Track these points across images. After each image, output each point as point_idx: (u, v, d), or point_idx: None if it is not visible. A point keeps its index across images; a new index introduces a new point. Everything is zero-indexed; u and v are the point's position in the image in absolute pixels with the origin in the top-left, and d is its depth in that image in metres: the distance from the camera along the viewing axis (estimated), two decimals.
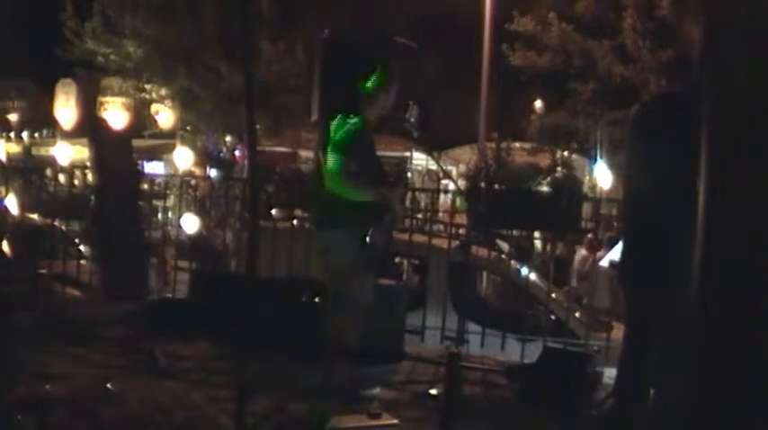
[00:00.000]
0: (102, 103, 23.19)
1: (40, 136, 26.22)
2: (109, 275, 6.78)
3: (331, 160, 4.18)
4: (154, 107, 20.05)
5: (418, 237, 7.20)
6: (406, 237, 6.97)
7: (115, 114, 21.56)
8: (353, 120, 4.27)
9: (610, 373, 4.55)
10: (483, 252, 6.75)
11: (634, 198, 3.91)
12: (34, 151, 24.53)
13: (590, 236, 9.93)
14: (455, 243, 6.80)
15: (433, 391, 4.56)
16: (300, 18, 16.62)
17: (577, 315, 7.35)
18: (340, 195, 4.20)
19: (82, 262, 8.27)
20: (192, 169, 19.28)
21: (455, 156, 22.75)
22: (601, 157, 18.73)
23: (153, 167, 19.13)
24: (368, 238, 4.18)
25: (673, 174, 3.43)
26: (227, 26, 15.79)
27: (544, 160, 21.31)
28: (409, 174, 19.83)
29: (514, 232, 9.47)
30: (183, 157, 19.18)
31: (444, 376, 4.30)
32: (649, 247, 3.65)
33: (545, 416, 4.33)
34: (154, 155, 20.49)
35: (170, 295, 6.89)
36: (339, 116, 4.37)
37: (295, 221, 7.33)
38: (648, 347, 3.68)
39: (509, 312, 7.00)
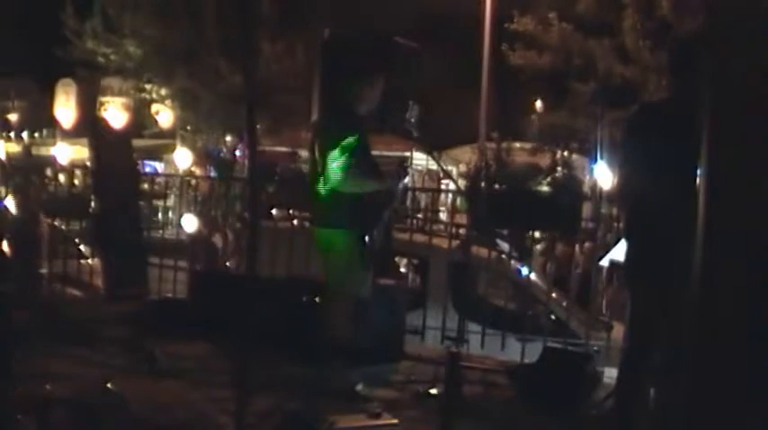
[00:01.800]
0: (102, 103, 23.19)
1: (40, 136, 26.22)
2: (109, 275, 6.78)
3: (337, 159, 4.21)
4: (154, 107, 20.07)
5: (418, 237, 7.20)
6: (406, 236, 6.98)
7: (115, 114, 21.57)
8: (351, 118, 4.31)
9: (610, 373, 4.55)
10: (483, 252, 6.75)
11: (634, 200, 3.93)
12: (34, 151, 24.51)
13: (588, 244, 9.80)
14: (455, 243, 6.80)
15: (434, 391, 4.56)
16: (300, 18, 16.62)
17: (578, 314, 7.35)
18: (347, 192, 4.22)
19: (82, 262, 8.27)
20: (193, 169, 19.29)
21: (455, 156, 22.77)
22: (601, 158, 18.72)
23: (153, 167, 19.14)
24: (366, 238, 4.20)
25: (667, 176, 3.47)
26: (227, 26, 15.79)
27: (544, 160, 21.33)
28: (407, 178, 19.80)
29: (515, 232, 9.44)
30: (183, 157, 19.19)
31: (444, 376, 4.30)
32: (652, 246, 3.66)
33: (545, 416, 4.33)
34: (154, 155, 20.51)
35: (170, 295, 6.88)
36: (337, 115, 4.41)
37: (295, 221, 7.32)
38: (650, 347, 3.69)
39: (509, 312, 6.99)
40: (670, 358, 3.55)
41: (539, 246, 11.47)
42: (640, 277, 3.79)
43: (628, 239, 4.00)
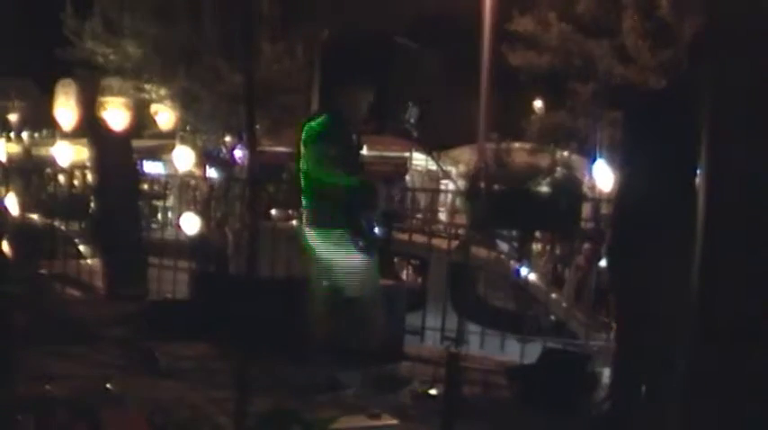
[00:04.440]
0: (102, 103, 23.16)
1: (40, 136, 26.19)
2: (109, 275, 6.78)
3: (313, 150, 4.23)
4: (154, 107, 20.05)
5: (418, 237, 7.21)
6: (406, 236, 6.99)
7: (115, 114, 21.53)
8: (325, 116, 4.38)
9: (610, 373, 4.55)
10: (483, 252, 6.75)
11: (626, 193, 3.93)
12: (34, 151, 24.50)
13: (587, 245, 9.79)
14: (455, 243, 6.80)
15: (433, 391, 4.56)
16: (300, 18, 16.63)
17: (577, 315, 7.35)
18: (326, 184, 4.24)
19: (82, 262, 8.27)
20: (193, 170, 19.27)
21: (455, 157, 22.73)
22: (601, 158, 18.73)
23: (152, 167, 19.12)
24: (349, 235, 4.21)
25: (661, 169, 3.47)
26: (227, 26, 15.79)
27: (544, 160, 21.32)
28: (408, 177, 19.80)
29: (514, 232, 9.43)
30: (183, 158, 19.16)
31: (444, 376, 4.30)
32: (641, 243, 3.65)
33: (545, 417, 4.33)
34: (154, 155, 20.48)
35: (170, 295, 6.88)
36: (321, 113, 4.46)
37: (295, 221, 7.32)
38: (641, 345, 3.68)
39: (509, 312, 6.99)
40: (665, 357, 3.54)
41: (538, 246, 11.47)
42: (630, 275, 3.78)
43: (617, 237, 4.00)
